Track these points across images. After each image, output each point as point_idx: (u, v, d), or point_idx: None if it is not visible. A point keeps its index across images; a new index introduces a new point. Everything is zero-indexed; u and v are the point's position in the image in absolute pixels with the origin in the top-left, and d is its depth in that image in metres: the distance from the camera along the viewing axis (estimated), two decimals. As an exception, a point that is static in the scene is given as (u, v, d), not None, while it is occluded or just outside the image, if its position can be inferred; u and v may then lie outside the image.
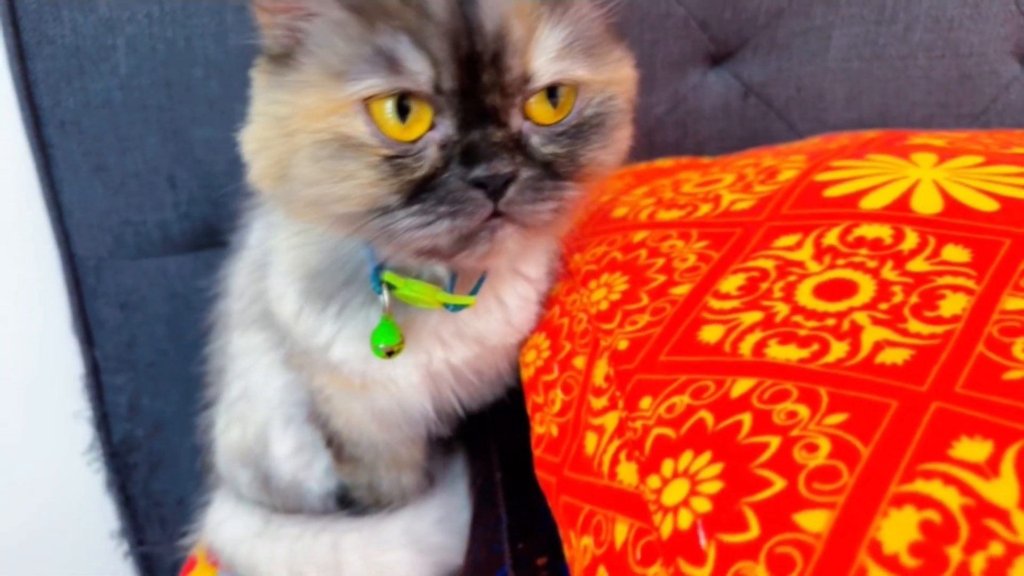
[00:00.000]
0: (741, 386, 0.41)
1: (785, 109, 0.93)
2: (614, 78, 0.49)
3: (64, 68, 0.85)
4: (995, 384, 0.37)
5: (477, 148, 0.42)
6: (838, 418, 0.37)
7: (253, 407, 0.67)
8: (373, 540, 0.65)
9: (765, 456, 0.37)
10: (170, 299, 0.95)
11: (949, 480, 0.33)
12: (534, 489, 0.58)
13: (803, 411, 0.38)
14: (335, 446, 0.65)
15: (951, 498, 0.33)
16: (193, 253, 0.94)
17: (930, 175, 0.55)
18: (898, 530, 0.32)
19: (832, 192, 0.56)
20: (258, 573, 0.67)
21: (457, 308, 0.54)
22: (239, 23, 0.84)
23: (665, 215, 0.62)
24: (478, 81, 0.42)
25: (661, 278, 0.54)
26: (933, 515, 0.32)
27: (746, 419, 0.39)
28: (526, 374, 0.58)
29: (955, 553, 0.31)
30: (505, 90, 0.43)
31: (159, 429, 1.02)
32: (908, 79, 0.93)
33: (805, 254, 0.50)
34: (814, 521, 0.33)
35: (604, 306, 0.55)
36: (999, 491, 0.32)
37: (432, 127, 0.43)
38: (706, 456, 0.38)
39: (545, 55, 0.44)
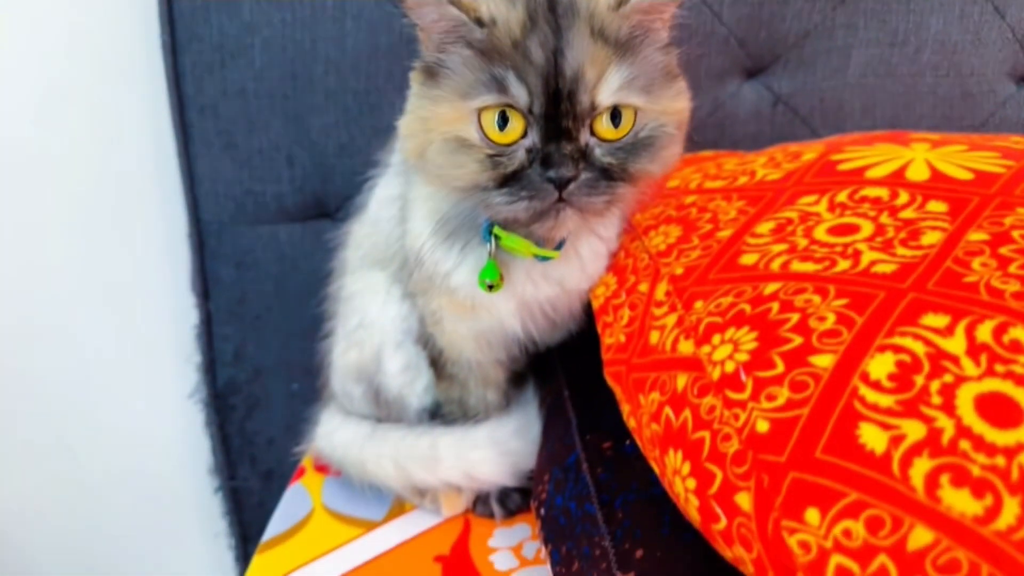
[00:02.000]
0: (771, 288, 0.56)
1: (809, 117, 1.09)
2: (668, 108, 0.63)
3: (208, 62, 1.02)
4: (957, 284, 0.52)
5: (552, 156, 0.58)
6: (842, 301, 0.52)
7: (370, 333, 0.83)
8: (464, 441, 0.80)
9: (789, 325, 0.52)
10: (279, 261, 1.11)
11: (917, 337, 0.48)
12: (598, 398, 0.73)
13: (816, 299, 0.53)
14: (437, 364, 0.81)
15: (918, 347, 0.47)
16: (302, 223, 1.10)
17: (923, 155, 0.70)
18: (881, 366, 0.47)
19: (844, 167, 0.71)
20: (367, 468, 0.82)
21: (545, 259, 0.71)
22: (356, 29, 1.02)
23: (710, 184, 0.77)
24: (558, 108, 0.58)
25: (709, 226, 0.69)
26: (905, 357, 0.47)
27: (775, 306, 0.54)
28: (596, 303, 0.74)
29: (919, 380, 0.46)
30: (576, 116, 0.59)
31: (259, 375, 1.18)
32: (917, 95, 1.08)
33: (822, 207, 0.65)
34: (823, 360, 0.48)
35: (662, 247, 0.70)
36: (953, 344, 0.47)
37: (523, 136, 0.60)
38: (745, 329, 0.54)
39: (608, 90, 0.59)
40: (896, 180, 0.66)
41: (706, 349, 0.55)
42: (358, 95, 1.04)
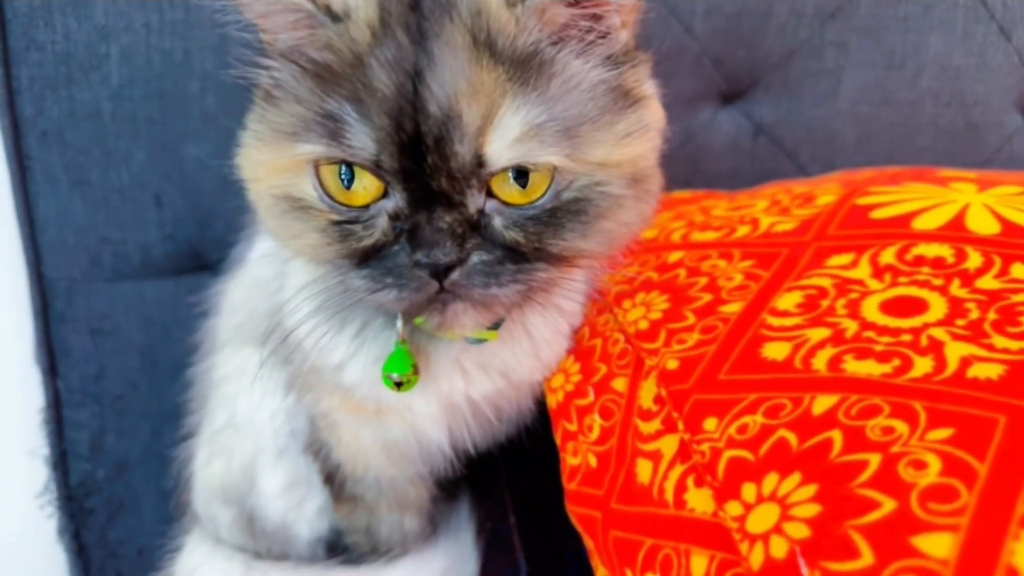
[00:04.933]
0: (822, 403, 0.37)
1: (795, 150, 0.93)
2: (609, 159, 0.42)
3: (51, 76, 0.81)
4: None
5: (421, 231, 0.40)
6: (943, 433, 0.33)
7: (241, 437, 0.61)
8: (371, 589, 0.58)
9: (866, 475, 0.32)
10: (146, 327, 0.89)
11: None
12: (555, 533, 0.53)
13: (901, 427, 0.34)
14: (334, 482, 0.59)
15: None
16: (175, 278, 0.89)
17: (978, 199, 0.53)
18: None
19: (879, 214, 0.53)
20: (236, 629, 0.59)
21: (478, 341, 0.50)
22: (242, 38, 0.81)
23: (700, 236, 0.58)
24: (423, 163, 0.39)
25: (707, 296, 0.50)
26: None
27: (836, 436, 0.35)
28: (554, 400, 0.54)
29: None
30: (452, 175, 0.40)
31: (122, 471, 0.94)
32: (916, 125, 0.93)
33: (863, 272, 0.47)
34: (937, 545, 0.29)
35: (644, 325, 0.50)
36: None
37: (385, 195, 0.41)
38: (795, 478, 0.34)
39: (503, 140, 0.39)
40: (956, 233, 0.49)
41: (734, 509, 0.35)
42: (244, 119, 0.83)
